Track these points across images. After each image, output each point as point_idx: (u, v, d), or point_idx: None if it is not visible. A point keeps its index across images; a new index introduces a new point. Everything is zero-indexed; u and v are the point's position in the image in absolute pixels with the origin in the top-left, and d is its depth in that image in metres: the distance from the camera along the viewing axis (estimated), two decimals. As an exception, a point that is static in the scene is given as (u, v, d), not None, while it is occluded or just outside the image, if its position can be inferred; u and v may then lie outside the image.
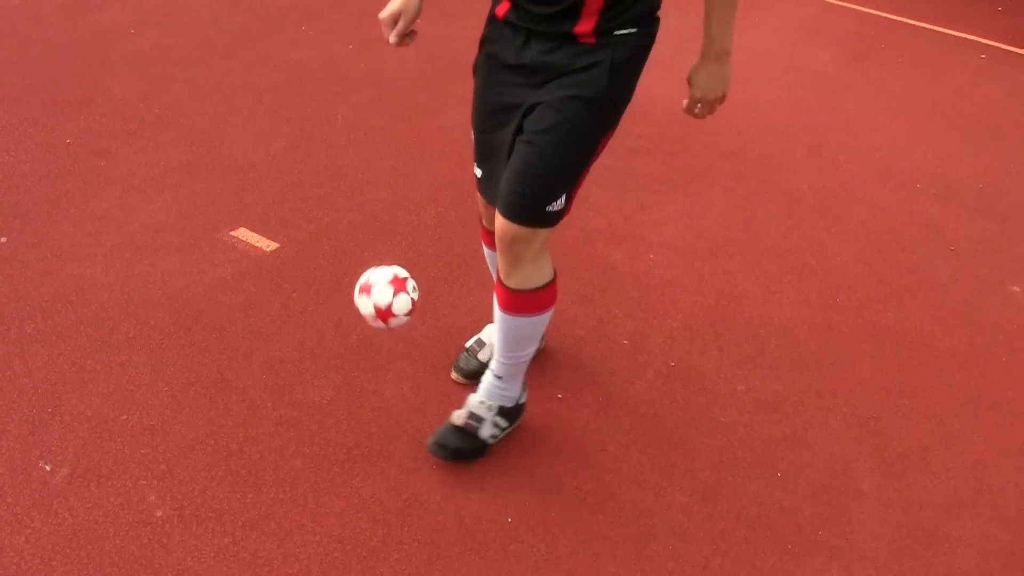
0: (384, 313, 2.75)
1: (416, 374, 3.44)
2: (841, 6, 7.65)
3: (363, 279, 2.80)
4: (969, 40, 7.07)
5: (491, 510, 2.96)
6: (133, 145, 4.63)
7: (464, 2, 6.59)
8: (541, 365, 3.50)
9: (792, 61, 6.54)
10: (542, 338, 3.51)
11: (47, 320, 3.50)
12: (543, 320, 2.99)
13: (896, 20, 7.31)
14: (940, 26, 7.26)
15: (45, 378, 3.25)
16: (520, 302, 2.90)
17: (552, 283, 2.93)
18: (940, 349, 3.89)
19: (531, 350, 3.07)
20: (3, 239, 3.89)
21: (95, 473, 2.93)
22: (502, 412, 3.15)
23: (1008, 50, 6.96)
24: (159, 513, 2.83)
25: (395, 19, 2.71)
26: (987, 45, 7.00)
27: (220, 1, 6.41)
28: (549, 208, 2.74)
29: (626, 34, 2.64)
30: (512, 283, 2.87)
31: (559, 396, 3.39)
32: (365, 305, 2.77)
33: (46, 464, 2.93)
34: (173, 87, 5.22)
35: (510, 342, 3.01)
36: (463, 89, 5.33)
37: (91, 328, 3.49)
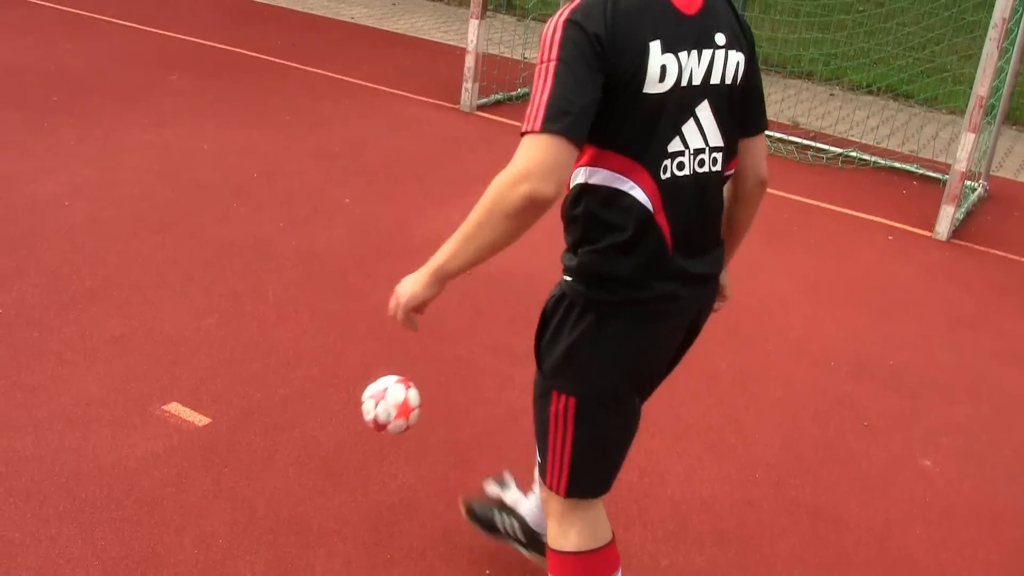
0: (379, 426, 2.83)
1: (347, 550, 3.47)
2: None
3: (375, 388, 2.87)
4: (876, 222, 7.39)
5: None
6: (66, 317, 4.68)
7: (395, 184, 6.78)
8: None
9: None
10: None
11: (-24, 494, 3.50)
12: None
13: (807, 202, 7.63)
14: (849, 208, 7.59)
15: (-27, 554, 3.24)
16: (550, 558, 2.82)
17: (573, 556, 2.73)
18: (856, 523, 4.01)
19: None
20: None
21: (23, 651, 2.91)
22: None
23: (913, 231, 7.28)
24: None
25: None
26: (893, 227, 7.32)
27: (152, 177, 6.54)
28: (538, 459, 2.76)
29: (567, 280, 2.59)
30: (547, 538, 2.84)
31: (487, 572, 3.44)
32: (368, 411, 2.84)
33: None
34: (106, 259, 5.30)
35: None
36: (390, 268, 5.48)
37: (20, 501, 3.49)
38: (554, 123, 2.24)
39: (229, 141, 7.39)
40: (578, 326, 2.54)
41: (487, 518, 3.42)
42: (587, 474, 2.68)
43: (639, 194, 2.43)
